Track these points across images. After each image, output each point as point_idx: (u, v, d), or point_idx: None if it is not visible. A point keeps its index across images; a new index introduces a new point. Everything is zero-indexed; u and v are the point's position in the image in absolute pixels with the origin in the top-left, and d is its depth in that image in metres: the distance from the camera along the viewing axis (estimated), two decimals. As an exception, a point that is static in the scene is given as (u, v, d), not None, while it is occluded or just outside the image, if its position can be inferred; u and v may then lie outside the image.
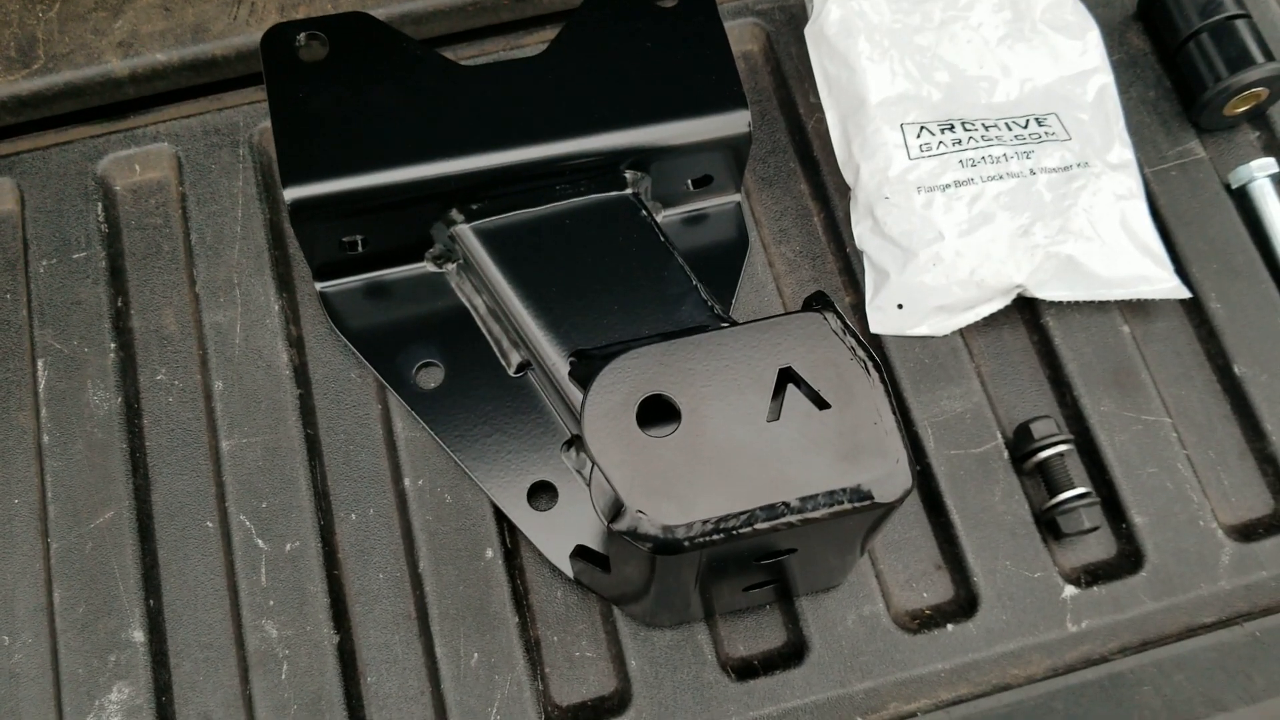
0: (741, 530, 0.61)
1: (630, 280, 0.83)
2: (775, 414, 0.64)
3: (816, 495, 0.62)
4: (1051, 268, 0.88)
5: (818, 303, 0.67)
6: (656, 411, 0.64)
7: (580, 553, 0.77)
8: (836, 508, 0.62)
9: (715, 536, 0.61)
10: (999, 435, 0.87)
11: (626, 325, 0.81)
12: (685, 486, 0.62)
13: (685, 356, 0.65)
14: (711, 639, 0.81)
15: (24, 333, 0.89)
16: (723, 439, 0.63)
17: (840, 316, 0.66)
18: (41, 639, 0.80)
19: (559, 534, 0.82)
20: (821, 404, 0.64)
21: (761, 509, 0.62)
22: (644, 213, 0.86)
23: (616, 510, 0.62)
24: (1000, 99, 0.95)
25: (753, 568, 0.71)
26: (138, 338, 0.89)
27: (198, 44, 0.97)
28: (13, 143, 0.96)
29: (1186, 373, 0.90)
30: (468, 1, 1.00)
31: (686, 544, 0.61)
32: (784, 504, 0.62)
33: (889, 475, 0.63)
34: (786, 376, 0.65)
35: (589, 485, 0.78)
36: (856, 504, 0.62)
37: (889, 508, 0.63)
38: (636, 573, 0.69)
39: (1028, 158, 0.91)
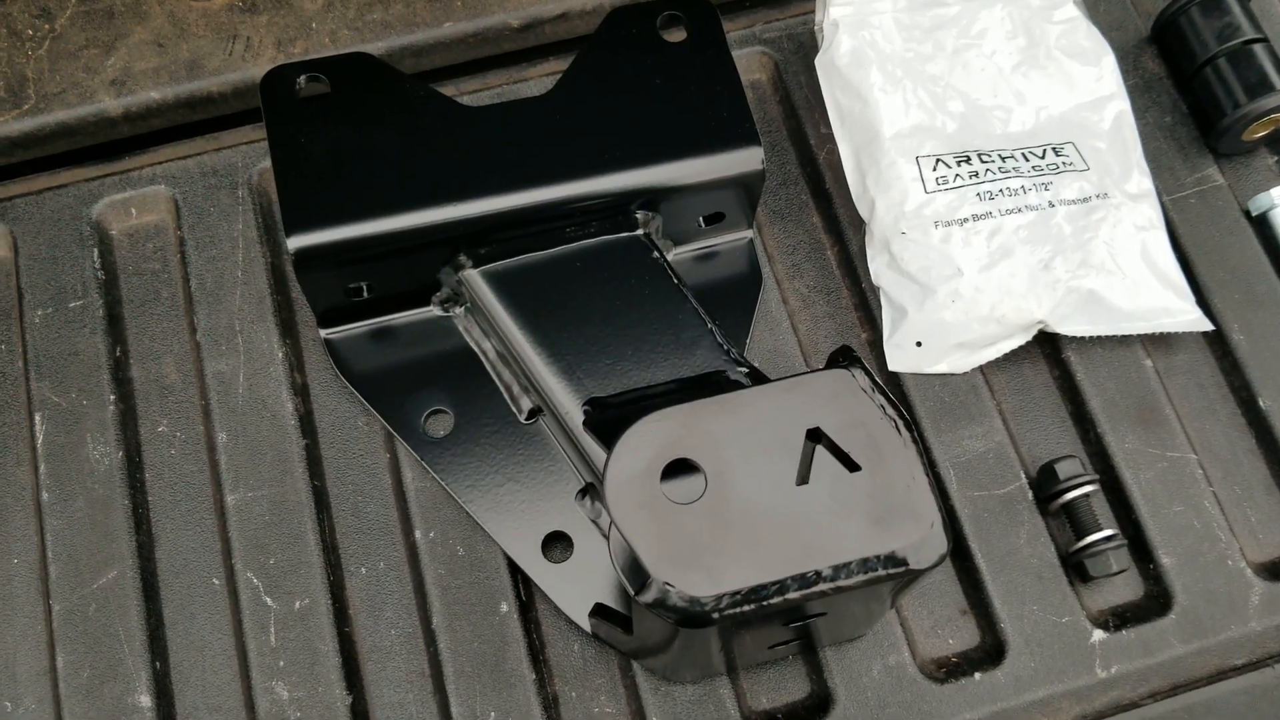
0: (772, 600, 0.59)
1: (643, 324, 0.81)
2: (804, 477, 0.62)
3: (849, 563, 0.60)
4: (1073, 302, 0.87)
5: (844, 358, 0.65)
6: (681, 471, 0.62)
7: (600, 611, 0.75)
8: (870, 575, 0.60)
9: (745, 607, 0.59)
10: (1022, 475, 0.85)
11: (641, 371, 0.79)
12: (713, 555, 0.60)
13: (709, 418, 0.63)
14: (734, 693, 0.79)
15: (20, 385, 0.86)
16: (750, 504, 0.61)
17: (869, 373, 0.64)
18: (45, 705, 0.78)
19: (575, 585, 0.80)
20: (852, 466, 0.62)
21: (793, 578, 0.60)
22: (656, 254, 0.84)
23: (642, 581, 0.60)
24: (1016, 128, 0.93)
25: (779, 629, 0.69)
26: (138, 388, 0.87)
27: (193, 81, 0.95)
28: (5, 187, 0.93)
29: (1210, 407, 0.88)
30: (469, 33, 0.98)
31: (715, 616, 0.59)
32: (815, 572, 0.60)
33: (924, 540, 0.61)
34: (815, 437, 0.63)
35: (606, 537, 0.76)
36: (891, 570, 0.60)
37: (924, 573, 0.61)
38: (659, 636, 0.67)
39: (1046, 189, 0.89)
